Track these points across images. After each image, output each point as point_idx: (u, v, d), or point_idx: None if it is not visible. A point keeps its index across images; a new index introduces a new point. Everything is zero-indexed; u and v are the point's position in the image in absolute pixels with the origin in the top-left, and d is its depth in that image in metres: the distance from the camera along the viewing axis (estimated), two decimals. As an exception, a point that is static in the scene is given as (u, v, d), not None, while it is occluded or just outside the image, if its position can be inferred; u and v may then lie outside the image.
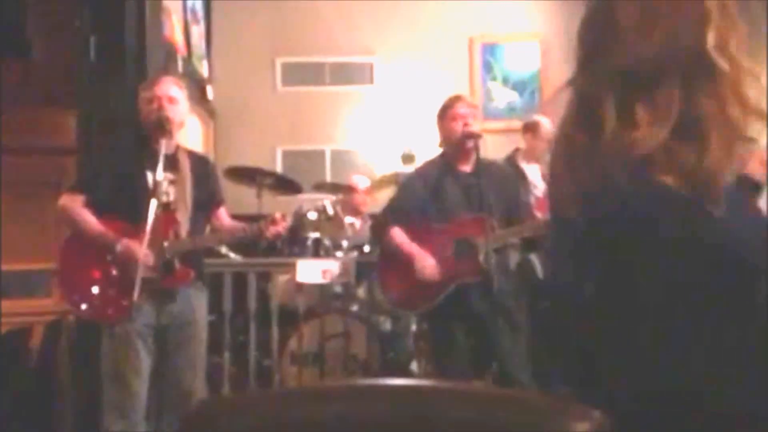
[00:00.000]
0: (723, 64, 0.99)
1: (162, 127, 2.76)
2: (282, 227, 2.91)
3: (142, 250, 2.56)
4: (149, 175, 2.73)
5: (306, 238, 3.99)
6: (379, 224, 3.34)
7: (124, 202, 2.75)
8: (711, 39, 0.99)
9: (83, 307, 2.79)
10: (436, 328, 3.25)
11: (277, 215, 2.95)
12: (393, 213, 3.25)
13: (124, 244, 2.68)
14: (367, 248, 4.10)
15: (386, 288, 3.29)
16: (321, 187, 4.89)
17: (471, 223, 3.06)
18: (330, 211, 3.06)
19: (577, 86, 1.07)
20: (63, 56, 3.84)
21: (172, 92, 2.84)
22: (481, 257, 2.98)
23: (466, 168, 3.19)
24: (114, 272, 2.73)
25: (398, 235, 3.16)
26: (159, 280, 2.68)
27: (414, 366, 3.94)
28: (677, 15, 1.00)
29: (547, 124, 4.40)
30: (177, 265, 2.77)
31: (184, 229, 2.81)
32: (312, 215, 3.00)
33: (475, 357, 3.14)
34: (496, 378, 3.25)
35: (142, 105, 2.85)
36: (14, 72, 4.27)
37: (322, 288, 3.95)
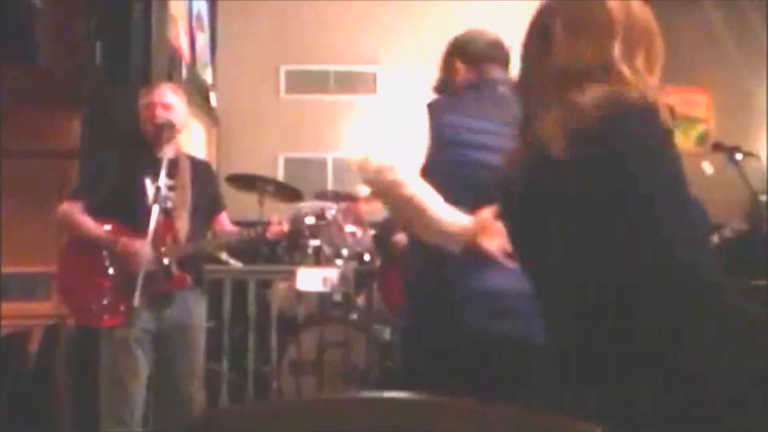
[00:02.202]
0: (626, 71, 1.24)
1: (158, 133, 2.78)
2: (283, 228, 2.92)
3: (144, 246, 2.56)
4: (149, 181, 2.75)
5: (306, 246, 4.00)
6: (386, 231, 3.34)
7: (123, 208, 2.76)
8: (616, 52, 1.25)
9: (81, 312, 2.80)
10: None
11: (275, 219, 2.96)
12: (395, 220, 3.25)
13: (124, 241, 2.69)
14: (367, 257, 4.11)
15: (388, 299, 3.28)
16: (323, 195, 4.89)
17: None
18: (328, 216, 3.07)
19: (527, 81, 1.37)
20: (69, 61, 3.86)
21: (168, 99, 2.86)
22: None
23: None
24: (113, 278, 2.74)
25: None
26: (157, 283, 2.69)
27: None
28: (593, 32, 1.28)
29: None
30: (174, 270, 2.78)
31: (183, 234, 2.82)
32: (309, 220, 3.01)
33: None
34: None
35: (141, 111, 2.87)
36: (20, 75, 4.29)
37: (321, 296, 3.95)
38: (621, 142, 1.20)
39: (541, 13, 1.35)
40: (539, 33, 1.33)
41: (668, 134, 1.21)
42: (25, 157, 5.92)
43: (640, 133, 1.20)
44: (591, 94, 1.22)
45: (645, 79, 1.25)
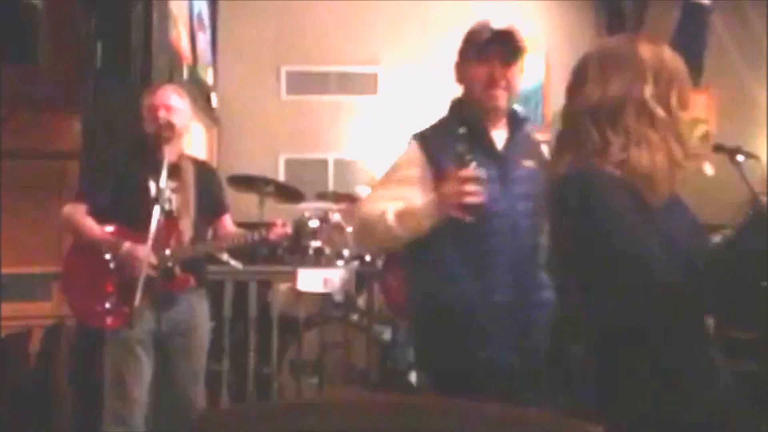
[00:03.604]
0: (659, 111, 1.40)
1: (160, 135, 2.77)
2: (287, 229, 2.91)
3: (146, 253, 2.56)
4: (152, 183, 2.74)
5: (307, 247, 3.99)
6: None
7: (126, 210, 2.76)
8: (647, 92, 1.40)
9: (85, 313, 2.79)
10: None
11: (278, 221, 2.95)
12: None
13: (128, 245, 2.69)
14: (368, 258, 4.10)
15: (389, 296, 3.28)
16: (323, 195, 4.89)
17: None
18: (332, 219, 3.07)
19: (564, 113, 1.52)
20: (69, 61, 3.85)
21: (172, 101, 2.85)
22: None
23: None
24: (116, 280, 2.73)
25: None
26: (160, 284, 2.69)
27: (413, 376, 3.94)
28: (623, 73, 1.42)
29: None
30: (178, 271, 2.77)
31: (187, 236, 2.82)
32: (313, 223, 3.01)
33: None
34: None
35: (144, 113, 2.86)
36: (19, 76, 4.29)
37: (322, 297, 3.94)
38: None
39: (583, 57, 1.52)
40: (577, 73, 1.49)
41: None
42: (25, 157, 5.93)
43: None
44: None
45: (678, 115, 1.43)
